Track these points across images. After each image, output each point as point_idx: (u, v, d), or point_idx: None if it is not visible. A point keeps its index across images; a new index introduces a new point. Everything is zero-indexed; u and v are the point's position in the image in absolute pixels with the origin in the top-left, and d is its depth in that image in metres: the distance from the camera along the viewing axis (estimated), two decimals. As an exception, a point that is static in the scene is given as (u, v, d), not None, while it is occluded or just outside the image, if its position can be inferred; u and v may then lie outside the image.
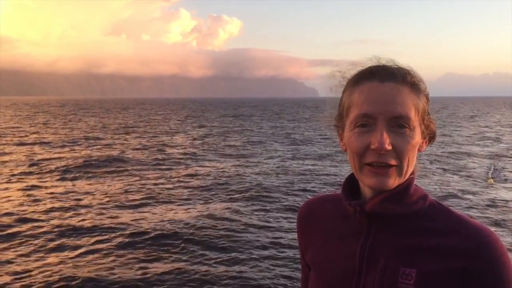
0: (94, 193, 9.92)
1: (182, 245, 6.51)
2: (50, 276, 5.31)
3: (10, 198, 9.27)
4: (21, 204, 8.78)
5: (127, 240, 6.63)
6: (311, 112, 62.74)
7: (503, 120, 40.77)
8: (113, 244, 6.47)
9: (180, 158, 15.63)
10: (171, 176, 12.15)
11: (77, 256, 6.02)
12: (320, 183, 11.26)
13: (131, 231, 7.01)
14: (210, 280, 5.32)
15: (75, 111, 61.91)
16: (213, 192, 10.14)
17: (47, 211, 8.25)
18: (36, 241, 6.60)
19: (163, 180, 11.56)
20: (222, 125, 35.18)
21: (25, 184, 10.75)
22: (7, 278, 5.23)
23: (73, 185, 10.85)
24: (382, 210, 0.84)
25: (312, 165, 14.18)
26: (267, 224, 7.62)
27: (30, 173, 12.36)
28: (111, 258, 5.93)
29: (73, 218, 7.81)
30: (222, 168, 13.50)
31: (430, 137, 0.90)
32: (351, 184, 0.92)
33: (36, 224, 7.46)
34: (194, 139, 23.13)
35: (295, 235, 6.79)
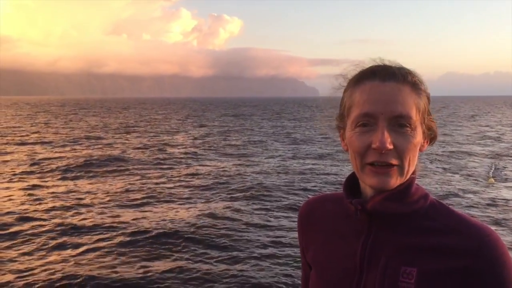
0: (96, 192, 9.94)
1: (183, 244, 6.53)
2: (52, 274, 5.34)
3: (12, 198, 9.30)
4: (23, 203, 8.81)
5: (128, 238, 6.65)
6: (312, 111, 62.69)
7: (504, 119, 40.73)
8: (114, 242, 6.49)
9: (181, 158, 15.66)
10: (172, 175, 12.17)
11: (79, 254, 6.05)
12: (320, 183, 11.28)
13: (133, 230, 7.03)
14: (211, 279, 5.34)
15: (76, 111, 61.96)
16: (214, 191, 10.16)
17: (48, 210, 8.27)
18: (38, 240, 6.63)
19: (164, 179, 11.59)
20: (222, 124, 35.20)
21: (26, 184, 10.78)
22: (10, 277, 5.26)
23: (75, 184, 10.88)
24: (383, 209, 0.84)
25: (313, 164, 14.19)
26: (268, 223, 7.64)
27: (32, 172, 12.39)
28: (113, 257, 5.96)
29: (75, 217, 7.84)
30: (223, 167, 13.52)
31: (431, 137, 0.90)
32: (351, 183, 0.93)
33: (37, 223, 7.48)
34: (195, 138, 23.15)
35: (295, 234, 6.81)
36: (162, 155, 16.13)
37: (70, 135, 23.87)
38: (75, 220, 7.61)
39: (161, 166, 13.70)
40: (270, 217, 8.04)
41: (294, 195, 9.78)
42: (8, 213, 8.01)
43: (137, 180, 11.46)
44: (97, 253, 6.08)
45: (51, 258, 5.91)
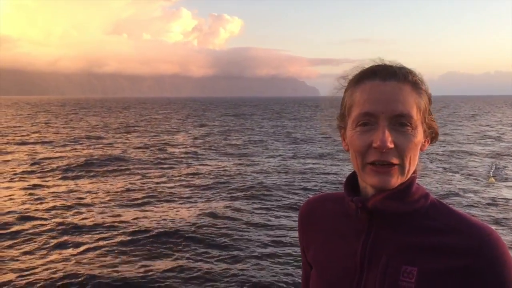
0: (96, 191, 9.95)
1: (184, 243, 6.55)
2: (54, 273, 5.35)
3: (13, 197, 9.32)
4: (24, 203, 8.83)
5: (129, 238, 6.66)
6: (312, 111, 62.73)
7: (504, 119, 40.71)
8: (115, 242, 6.51)
9: (182, 157, 15.67)
10: (172, 175, 12.18)
11: (80, 253, 6.06)
12: (321, 182, 11.28)
13: (133, 229, 7.04)
14: (212, 278, 5.36)
15: (76, 110, 61.99)
16: (214, 191, 10.17)
17: (49, 210, 8.29)
18: (39, 239, 6.65)
19: (164, 178, 11.60)
20: (223, 124, 35.21)
21: (27, 183, 10.79)
22: (12, 276, 5.28)
23: (75, 184, 10.89)
24: (383, 207, 0.84)
25: (313, 164, 14.20)
26: (268, 223, 7.65)
27: (32, 172, 12.41)
28: (114, 256, 5.97)
29: (76, 217, 7.85)
30: (223, 167, 13.53)
31: (432, 136, 0.89)
32: (352, 183, 0.93)
33: (38, 222, 7.50)
34: (195, 138, 23.16)
35: (296, 234, 6.81)
36: (162, 155, 16.14)
37: (71, 135, 23.89)
38: (76, 220, 7.63)
39: (162, 166, 13.71)
40: (271, 217, 8.05)
41: (295, 195, 9.79)
42: (9, 212, 8.02)
43: (137, 179, 11.48)
44: (98, 252, 6.10)
45: (52, 257, 5.92)
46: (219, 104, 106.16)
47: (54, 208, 8.43)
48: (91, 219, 7.66)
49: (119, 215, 7.98)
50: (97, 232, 7.00)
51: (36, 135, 23.80)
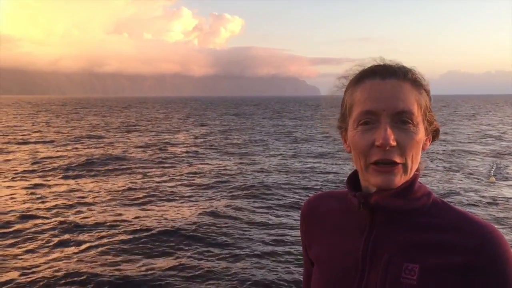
0: (98, 191, 9.98)
1: (185, 241, 6.57)
2: (56, 271, 5.38)
3: (14, 196, 9.34)
4: (25, 202, 8.85)
5: (130, 236, 6.68)
6: (313, 110, 62.73)
7: (505, 118, 40.68)
8: (117, 240, 6.53)
9: (182, 156, 15.70)
10: (173, 174, 12.21)
11: (81, 252, 6.09)
12: (321, 181, 11.30)
13: (135, 228, 7.07)
14: (213, 277, 5.38)
15: (77, 110, 62.06)
16: (215, 190, 10.20)
17: (51, 209, 8.31)
18: (41, 238, 6.67)
19: (165, 178, 11.62)
20: (223, 123, 35.22)
21: (28, 182, 10.82)
22: (15, 274, 5.31)
23: (76, 183, 10.91)
24: (385, 204, 0.84)
25: (314, 163, 14.21)
26: (269, 221, 7.67)
27: (33, 171, 12.44)
28: (115, 254, 5.99)
29: (77, 215, 7.88)
30: (224, 166, 13.55)
31: (433, 134, 0.89)
32: (353, 181, 0.92)
33: (40, 221, 7.52)
34: (196, 137, 23.18)
35: (296, 232, 6.84)
36: (163, 154, 16.17)
37: (72, 134, 23.92)
38: (77, 219, 7.65)
39: (163, 165, 13.74)
40: (271, 215, 8.07)
41: (295, 194, 9.81)
42: (11, 211, 8.05)
43: (138, 178, 11.50)
44: (100, 250, 6.12)
45: (54, 256, 5.95)
46: (220, 104, 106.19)
47: (55, 207, 8.46)
48: (93, 218, 7.69)
49: (120, 214, 8.00)
50: (99, 231, 7.02)
51: (37, 134, 23.84)
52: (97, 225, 7.31)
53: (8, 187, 10.31)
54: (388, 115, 0.81)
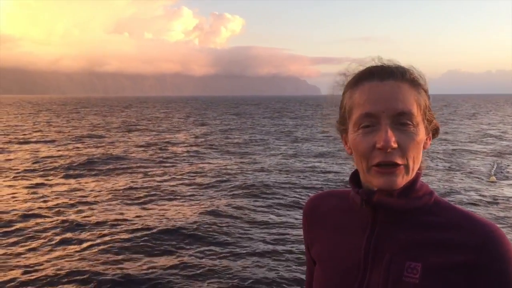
0: (99, 190, 10.01)
1: (186, 240, 6.59)
2: (58, 270, 5.41)
3: (16, 195, 9.37)
4: (27, 201, 8.88)
5: (132, 235, 6.71)
6: (313, 110, 62.72)
7: (506, 117, 40.66)
8: (118, 239, 6.56)
9: (183, 156, 15.72)
10: (174, 173, 12.23)
11: (83, 250, 6.11)
12: (322, 180, 11.32)
13: (136, 227, 7.10)
14: (214, 275, 5.40)
15: (78, 109, 62.11)
16: (216, 189, 10.22)
17: (52, 208, 8.34)
18: (43, 237, 6.70)
19: (166, 177, 11.65)
20: (224, 123, 35.24)
21: (30, 182, 10.85)
22: (17, 272, 5.34)
23: (78, 182, 10.94)
24: (387, 203, 0.84)
25: (314, 162, 14.23)
26: (270, 220, 7.70)
27: (35, 170, 12.47)
28: (117, 253, 6.02)
29: (79, 214, 7.91)
30: (225, 165, 13.57)
31: (433, 132, 0.90)
32: (355, 179, 0.92)
33: (42, 220, 7.55)
34: (197, 137, 23.21)
35: (297, 231, 6.87)
36: (164, 153, 16.19)
37: (73, 134, 23.95)
38: (79, 218, 7.68)
39: (163, 164, 13.76)
40: (272, 214, 8.10)
41: (296, 193, 9.83)
42: (12, 210, 8.08)
43: (139, 178, 11.53)
44: (101, 249, 6.15)
45: (56, 254, 5.98)
46: (221, 103, 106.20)
47: (57, 206, 8.49)
48: (94, 217, 7.72)
49: (121, 213, 8.03)
50: (100, 229, 7.05)
51: (38, 134, 23.88)
52: (98, 224, 7.34)
53: (10, 186, 10.35)
54: (388, 116, 0.81)
